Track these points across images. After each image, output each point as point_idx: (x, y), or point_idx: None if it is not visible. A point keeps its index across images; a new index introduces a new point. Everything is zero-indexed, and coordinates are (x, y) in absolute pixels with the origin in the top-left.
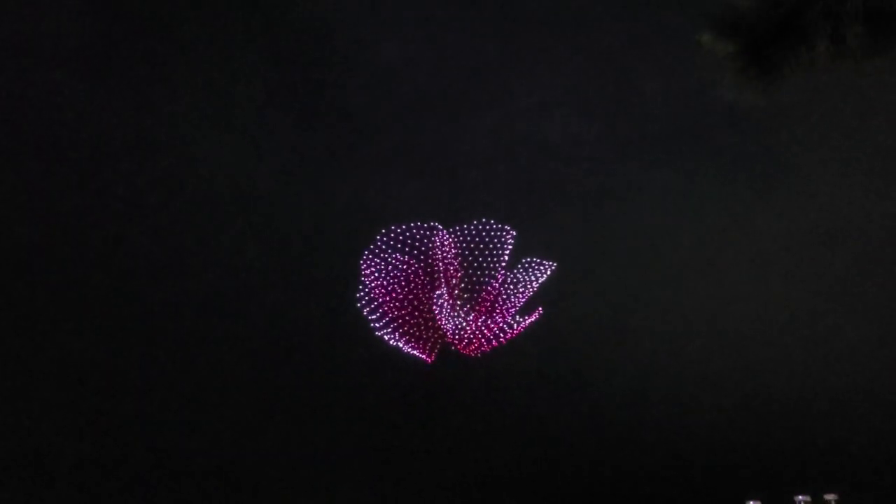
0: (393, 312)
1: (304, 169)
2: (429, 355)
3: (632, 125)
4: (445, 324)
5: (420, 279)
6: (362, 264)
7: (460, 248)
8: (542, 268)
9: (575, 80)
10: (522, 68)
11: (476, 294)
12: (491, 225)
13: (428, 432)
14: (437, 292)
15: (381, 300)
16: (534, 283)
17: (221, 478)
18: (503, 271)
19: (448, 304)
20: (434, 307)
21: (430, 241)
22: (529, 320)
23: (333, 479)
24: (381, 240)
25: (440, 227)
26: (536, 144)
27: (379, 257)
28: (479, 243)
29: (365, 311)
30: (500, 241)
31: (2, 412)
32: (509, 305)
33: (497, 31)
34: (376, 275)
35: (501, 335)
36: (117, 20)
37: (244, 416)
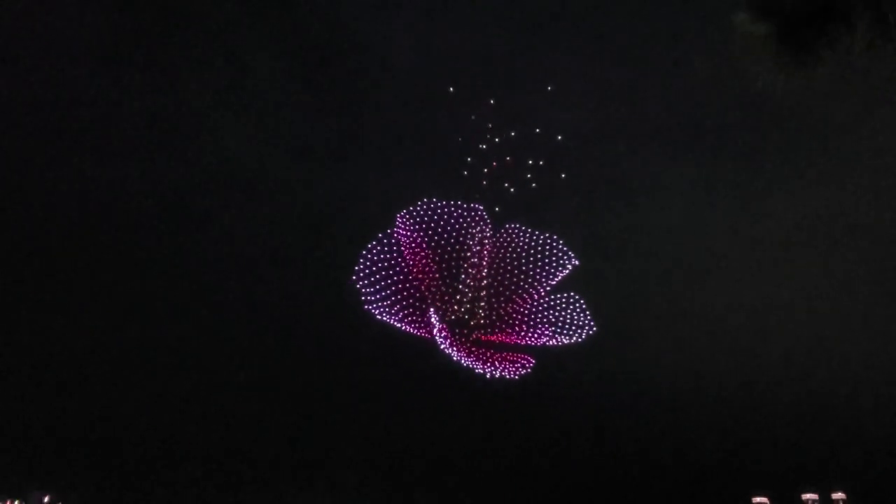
0: (413, 279)
1: (316, 157)
2: (430, 331)
3: (645, 119)
4: (439, 342)
5: (445, 257)
6: (398, 220)
7: (509, 248)
8: (582, 319)
9: (588, 75)
10: (535, 62)
11: (501, 301)
12: (553, 242)
13: (432, 426)
14: (432, 314)
15: (406, 262)
16: (562, 337)
17: (225, 466)
18: (541, 292)
19: (442, 331)
20: (431, 324)
21: (466, 222)
22: (515, 368)
23: (335, 474)
24: (420, 207)
25: (481, 209)
26: (548, 136)
27: (415, 220)
28: (533, 254)
29: (364, 283)
30: (553, 263)
31: (10, 399)
32: (523, 333)
33: (510, 25)
34: (409, 235)
35: (485, 366)
36: (142, 17)
37: (251, 400)
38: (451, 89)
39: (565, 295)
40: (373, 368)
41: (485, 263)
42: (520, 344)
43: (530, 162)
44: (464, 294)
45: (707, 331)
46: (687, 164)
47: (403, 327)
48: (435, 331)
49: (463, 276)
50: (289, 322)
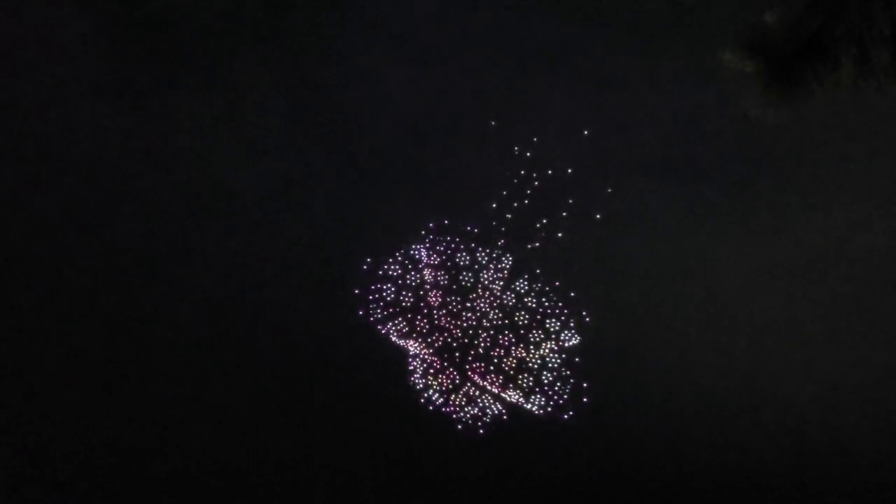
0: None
1: (307, 183)
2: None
3: (635, 150)
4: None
5: (460, 278)
6: (425, 232)
7: (524, 299)
8: (563, 397)
9: (577, 107)
10: (525, 96)
11: (503, 343)
12: (563, 312)
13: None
14: (412, 351)
15: (419, 276)
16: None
17: (223, 480)
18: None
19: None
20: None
21: (485, 254)
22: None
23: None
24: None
25: (502, 242)
26: (539, 169)
27: (438, 240)
28: (542, 315)
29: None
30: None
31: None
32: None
33: (500, 59)
34: (430, 249)
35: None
36: (135, 46)
37: (240, 422)
38: (493, 123)
39: (564, 369)
40: (367, 394)
41: (490, 299)
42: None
43: (529, 192)
44: (469, 320)
45: (700, 353)
46: (674, 192)
47: (397, 340)
48: (412, 347)
49: (469, 304)
50: (281, 345)
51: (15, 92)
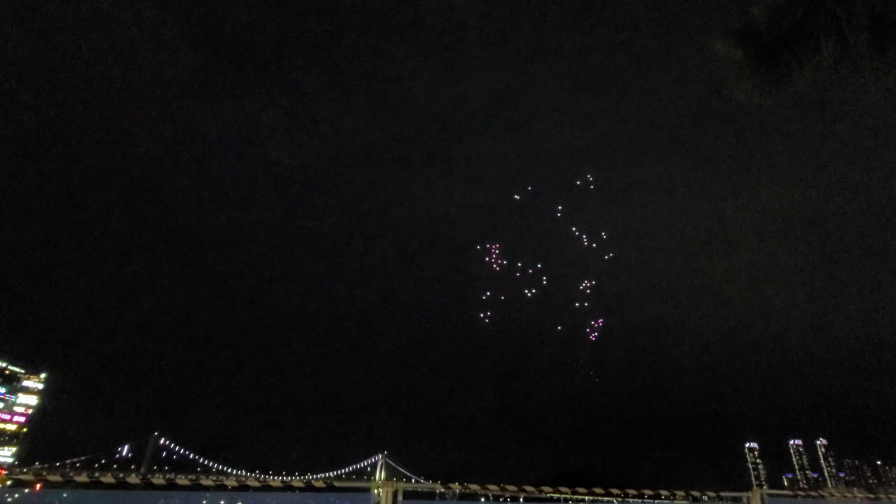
0: None
1: (357, 163)
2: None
3: (625, 133)
4: None
5: None
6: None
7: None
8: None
9: (579, 98)
10: (542, 93)
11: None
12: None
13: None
14: None
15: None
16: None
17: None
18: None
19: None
20: None
21: None
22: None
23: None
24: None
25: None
26: (553, 152)
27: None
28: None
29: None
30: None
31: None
32: None
33: (517, 60)
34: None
35: None
36: (214, 53)
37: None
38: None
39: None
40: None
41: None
42: None
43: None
44: None
45: (694, 300)
46: (655, 169)
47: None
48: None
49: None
50: (344, 310)
51: (111, 88)
